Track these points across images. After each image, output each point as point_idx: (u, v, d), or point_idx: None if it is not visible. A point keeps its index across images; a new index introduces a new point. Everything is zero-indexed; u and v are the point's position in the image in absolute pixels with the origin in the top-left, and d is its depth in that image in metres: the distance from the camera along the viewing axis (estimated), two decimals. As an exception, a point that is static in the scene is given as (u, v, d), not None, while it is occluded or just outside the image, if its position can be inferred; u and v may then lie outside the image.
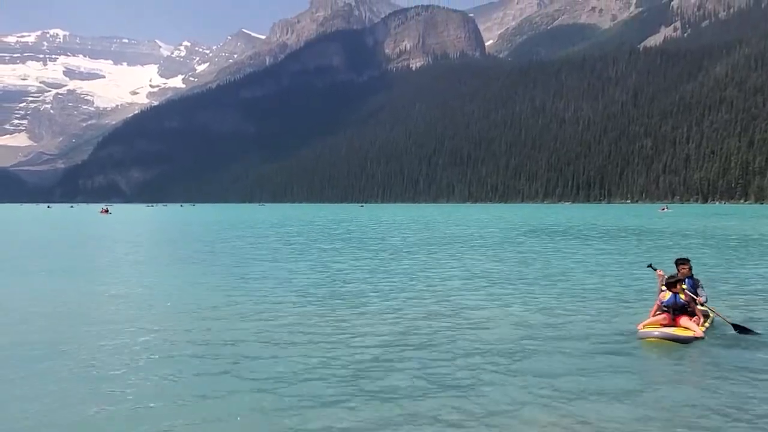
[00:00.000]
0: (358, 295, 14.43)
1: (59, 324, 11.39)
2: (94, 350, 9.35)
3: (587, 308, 12.53)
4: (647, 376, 7.97)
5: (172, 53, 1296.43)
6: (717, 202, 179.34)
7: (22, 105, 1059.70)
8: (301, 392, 7.41)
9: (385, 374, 8.15)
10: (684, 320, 10.00)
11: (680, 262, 11.23)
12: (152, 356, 9.05)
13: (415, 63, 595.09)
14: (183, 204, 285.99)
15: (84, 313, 12.46)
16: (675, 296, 10.15)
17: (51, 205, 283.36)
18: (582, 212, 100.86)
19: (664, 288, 10.43)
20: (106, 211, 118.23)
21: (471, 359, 8.77)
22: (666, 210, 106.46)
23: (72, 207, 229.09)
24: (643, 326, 10.05)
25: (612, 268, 20.08)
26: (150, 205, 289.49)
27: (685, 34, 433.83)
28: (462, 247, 29.59)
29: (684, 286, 10.50)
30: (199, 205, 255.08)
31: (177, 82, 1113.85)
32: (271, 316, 11.96)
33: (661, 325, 9.99)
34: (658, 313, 10.29)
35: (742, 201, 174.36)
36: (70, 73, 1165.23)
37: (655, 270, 11.37)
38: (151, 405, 6.93)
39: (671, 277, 10.53)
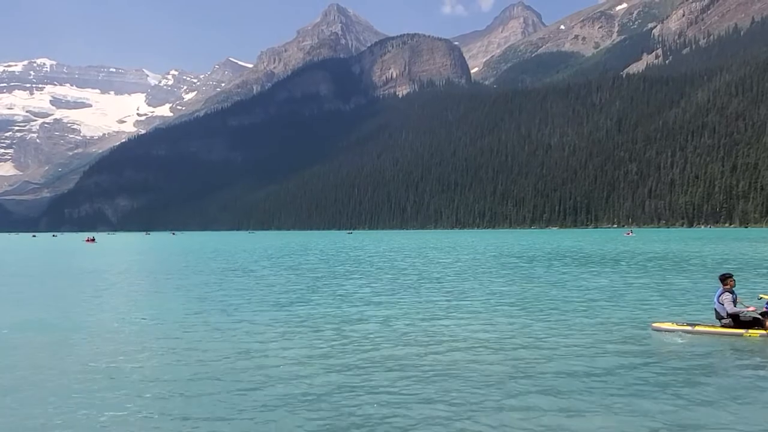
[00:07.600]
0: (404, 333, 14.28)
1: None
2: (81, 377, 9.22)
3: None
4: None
5: (160, 82, 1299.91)
6: (702, 226, 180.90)
7: (8, 134, 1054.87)
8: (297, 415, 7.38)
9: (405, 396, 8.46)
10: None
11: (729, 276, 13.22)
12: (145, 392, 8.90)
13: (402, 90, 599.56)
14: (175, 232, 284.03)
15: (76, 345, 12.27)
16: None
17: (36, 234, 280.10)
18: (553, 238, 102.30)
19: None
20: (92, 240, 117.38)
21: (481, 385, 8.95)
22: (630, 234, 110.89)
23: (54, 236, 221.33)
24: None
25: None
26: (149, 232, 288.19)
27: (667, 62, 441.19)
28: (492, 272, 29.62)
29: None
30: (188, 233, 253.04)
31: (164, 110, 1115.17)
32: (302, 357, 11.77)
33: None
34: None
35: (727, 224, 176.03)
36: (56, 102, 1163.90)
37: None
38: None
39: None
